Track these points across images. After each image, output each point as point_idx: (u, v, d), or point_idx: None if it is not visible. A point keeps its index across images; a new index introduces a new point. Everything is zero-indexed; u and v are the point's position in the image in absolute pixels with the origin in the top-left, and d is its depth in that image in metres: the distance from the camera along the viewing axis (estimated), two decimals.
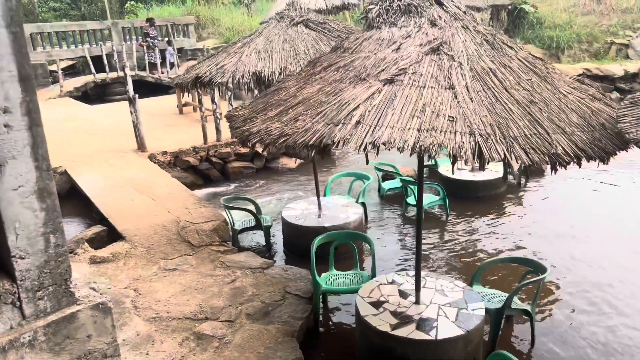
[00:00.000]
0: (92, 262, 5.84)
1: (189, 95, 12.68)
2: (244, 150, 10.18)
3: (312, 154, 2.99)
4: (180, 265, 5.88)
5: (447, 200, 7.58)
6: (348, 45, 3.67)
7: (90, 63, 17.90)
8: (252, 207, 7.13)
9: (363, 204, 7.49)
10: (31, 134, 2.25)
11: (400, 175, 8.37)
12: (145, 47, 18.05)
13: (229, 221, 6.94)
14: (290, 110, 3.20)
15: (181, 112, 13.12)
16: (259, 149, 10.19)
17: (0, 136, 2.17)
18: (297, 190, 9.17)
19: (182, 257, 6.05)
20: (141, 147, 9.64)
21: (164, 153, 9.53)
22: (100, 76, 17.73)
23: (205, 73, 5.30)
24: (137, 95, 9.36)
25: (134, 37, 19.77)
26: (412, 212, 7.95)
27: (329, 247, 5.48)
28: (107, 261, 5.90)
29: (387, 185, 8.52)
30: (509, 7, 19.69)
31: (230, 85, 5.05)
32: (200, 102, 9.84)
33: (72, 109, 14.60)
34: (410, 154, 2.78)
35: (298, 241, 6.63)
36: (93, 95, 18.08)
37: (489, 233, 7.16)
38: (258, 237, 7.36)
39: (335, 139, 2.87)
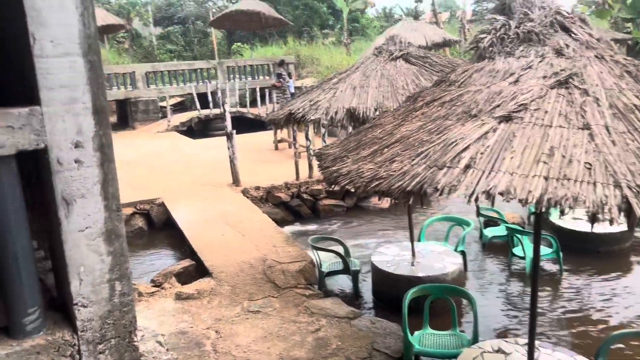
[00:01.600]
0: (177, 299, 5.75)
1: (281, 132, 12.81)
2: (336, 187, 9.90)
3: (410, 201, 2.55)
4: (264, 307, 5.60)
5: (560, 253, 6.67)
6: (455, 78, 3.24)
7: (196, 100, 18.96)
8: (340, 249, 6.76)
9: (462, 253, 6.81)
10: (102, 170, 2.06)
11: (506, 222, 7.58)
12: (278, 88, 17.83)
13: (316, 263, 6.61)
14: (386, 149, 2.82)
15: (276, 148, 13.26)
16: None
17: (70, 172, 1.99)
18: (389, 233, 8.67)
19: (266, 299, 5.78)
20: (236, 181, 9.73)
21: (257, 188, 9.53)
22: (204, 112, 18.67)
23: (298, 109, 5.11)
24: (234, 131, 9.52)
25: (237, 75, 20.71)
26: (519, 264, 7.11)
27: (423, 300, 4.91)
28: (192, 298, 5.78)
29: (490, 232, 7.74)
30: (629, 42, 18.06)
31: (323, 122, 4.79)
32: (294, 138, 9.79)
33: (177, 142, 15.38)
34: (537, 209, 2.26)
35: (388, 290, 6.11)
36: (197, 130, 19.04)
37: (612, 296, 6.14)
38: (345, 282, 6.94)
39: (439, 185, 2.43)
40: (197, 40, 36.77)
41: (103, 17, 21.71)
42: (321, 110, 4.88)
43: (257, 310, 5.55)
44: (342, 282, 6.96)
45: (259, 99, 19.19)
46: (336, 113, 4.81)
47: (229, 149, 9.57)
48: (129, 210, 8.94)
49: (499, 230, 7.72)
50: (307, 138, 9.69)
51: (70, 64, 1.94)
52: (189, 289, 5.93)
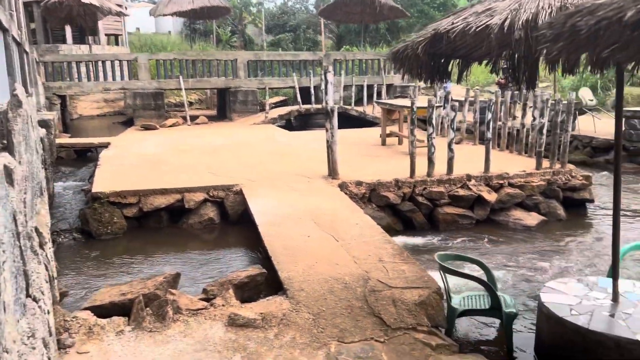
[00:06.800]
0: (230, 324, 3.73)
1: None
2: (463, 192, 7.46)
3: None
4: (363, 358, 3.41)
5: None
6: None
7: (298, 93, 17.40)
8: (481, 275, 4.42)
9: None
10: None
11: None
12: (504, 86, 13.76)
13: (444, 293, 4.29)
14: None
15: (384, 143, 11.06)
16: (485, 192, 7.37)
17: None
18: (547, 261, 6.05)
19: (366, 343, 3.57)
20: (332, 173, 7.67)
21: (359, 183, 7.37)
22: (305, 106, 17.02)
23: (452, 23, 2.87)
24: (335, 107, 7.47)
25: (343, 70, 18.85)
26: None
27: None
28: (253, 326, 3.72)
29: None
30: None
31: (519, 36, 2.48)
32: (412, 122, 7.51)
33: (272, 133, 13.78)
34: None
35: (573, 354, 3.61)
36: (296, 124, 17.46)
37: None
38: (487, 327, 4.54)
39: None
40: (306, 48, 36.01)
41: None
42: (503, 13, 2.61)
43: None
44: (483, 327, 4.57)
45: (365, 96, 17.17)
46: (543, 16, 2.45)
47: (327, 130, 7.53)
48: (199, 197, 7.21)
49: None
50: (429, 123, 7.38)
51: None
52: (251, 311, 3.89)
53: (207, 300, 4.15)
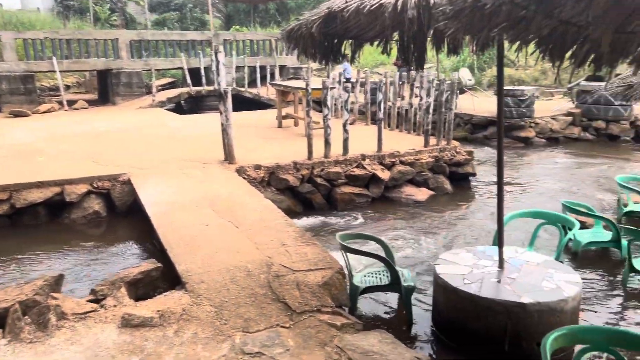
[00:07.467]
0: (124, 325, 3.44)
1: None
2: (358, 171, 7.63)
3: None
4: (269, 346, 3.32)
5: None
6: None
7: (187, 75, 16.64)
8: (380, 251, 4.54)
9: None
10: None
11: (612, 222, 5.33)
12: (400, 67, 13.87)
13: (347, 272, 4.34)
14: None
15: (280, 126, 10.97)
16: (379, 171, 7.60)
17: None
18: (439, 234, 6.39)
19: (272, 331, 3.50)
20: (229, 157, 7.43)
21: (257, 167, 7.22)
22: (196, 88, 16.35)
23: (350, 1, 2.81)
24: (229, 88, 7.20)
25: (234, 51, 18.33)
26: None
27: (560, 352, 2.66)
28: (149, 325, 3.47)
29: (585, 237, 5.50)
30: None
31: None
32: (308, 104, 7.49)
33: (161, 117, 13.06)
34: None
35: (465, 321, 3.84)
36: (187, 107, 16.75)
37: None
38: (388, 302, 4.69)
39: None
40: (194, 28, 34.53)
41: None
42: None
43: (258, 351, 3.26)
44: (380, 302, 4.71)
45: (258, 78, 16.88)
46: None
47: (221, 113, 7.25)
48: (82, 189, 6.60)
49: (598, 235, 5.49)
50: (324, 105, 7.41)
51: None
52: (146, 309, 3.62)
53: (96, 301, 3.80)
